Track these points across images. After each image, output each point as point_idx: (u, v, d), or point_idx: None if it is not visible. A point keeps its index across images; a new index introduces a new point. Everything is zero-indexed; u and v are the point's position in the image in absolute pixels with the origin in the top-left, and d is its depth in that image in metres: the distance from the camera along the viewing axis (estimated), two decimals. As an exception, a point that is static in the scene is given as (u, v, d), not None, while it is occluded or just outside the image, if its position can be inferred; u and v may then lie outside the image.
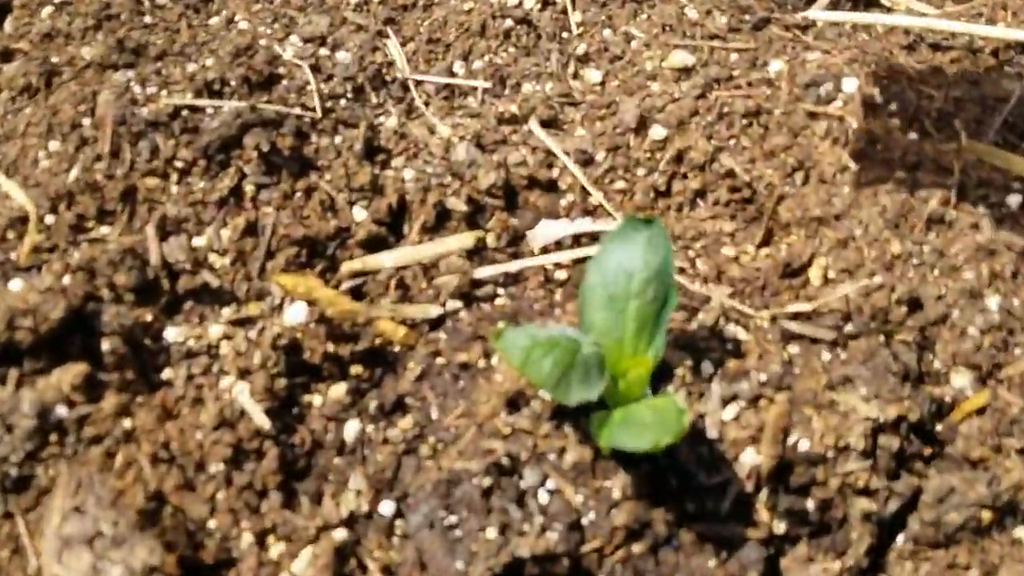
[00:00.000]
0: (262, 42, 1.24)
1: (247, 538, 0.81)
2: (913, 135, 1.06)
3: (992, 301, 0.92)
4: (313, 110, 1.16)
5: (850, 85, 1.11)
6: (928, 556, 0.78)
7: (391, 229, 1.10)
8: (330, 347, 0.96)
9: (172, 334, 0.95)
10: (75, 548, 0.75)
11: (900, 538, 0.81)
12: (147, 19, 1.31)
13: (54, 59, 1.20)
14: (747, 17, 1.29)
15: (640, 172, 1.14)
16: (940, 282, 0.94)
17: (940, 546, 0.78)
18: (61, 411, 0.83)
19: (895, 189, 1.01)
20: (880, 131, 1.06)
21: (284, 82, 1.18)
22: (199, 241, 1.02)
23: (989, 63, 1.20)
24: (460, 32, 1.35)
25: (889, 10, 1.35)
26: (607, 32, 1.33)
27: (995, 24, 1.30)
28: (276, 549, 0.81)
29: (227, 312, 0.98)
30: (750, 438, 0.83)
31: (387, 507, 0.85)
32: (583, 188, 1.14)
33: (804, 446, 0.83)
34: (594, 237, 1.10)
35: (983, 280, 0.93)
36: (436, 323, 1.02)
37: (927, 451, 0.87)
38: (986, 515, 0.76)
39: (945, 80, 1.13)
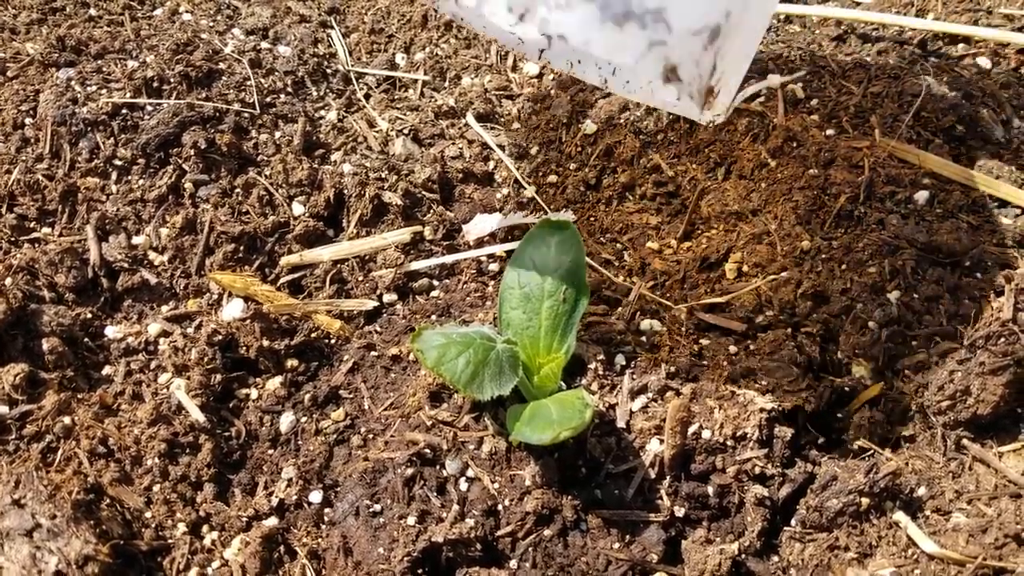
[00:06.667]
0: (203, 36, 1.26)
1: (181, 527, 0.86)
2: (830, 131, 1.10)
3: (892, 296, 0.97)
4: (252, 106, 1.18)
5: (774, 81, 1.14)
6: (813, 538, 0.84)
7: (329, 223, 1.13)
8: (266, 342, 1.00)
9: (111, 331, 0.99)
10: (15, 540, 0.80)
11: (793, 521, 0.87)
12: (91, 11, 1.32)
13: (-2, 54, 1.22)
14: (683, 8, 1.31)
15: (572, 166, 1.17)
16: (845, 276, 0.99)
17: (824, 529, 0.83)
18: (2, 409, 0.87)
19: (808, 186, 1.05)
20: (798, 128, 1.09)
21: (224, 78, 1.20)
22: (138, 239, 1.05)
23: (914, 55, 1.23)
24: (403, 23, 1.37)
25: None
26: (547, 22, 1.35)
27: (926, 14, 1.32)
28: (209, 537, 0.86)
29: (165, 309, 1.02)
30: (656, 428, 0.88)
31: (316, 496, 0.90)
32: (517, 181, 1.18)
33: (706, 435, 0.88)
34: (527, 230, 1.13)
35: (885, 275, 0.98)
36: (372, 316, 1.06)
37: (825, 439, 0.93)
38: (864, 501, 0.82)
39: (866, 75, 1.16)
